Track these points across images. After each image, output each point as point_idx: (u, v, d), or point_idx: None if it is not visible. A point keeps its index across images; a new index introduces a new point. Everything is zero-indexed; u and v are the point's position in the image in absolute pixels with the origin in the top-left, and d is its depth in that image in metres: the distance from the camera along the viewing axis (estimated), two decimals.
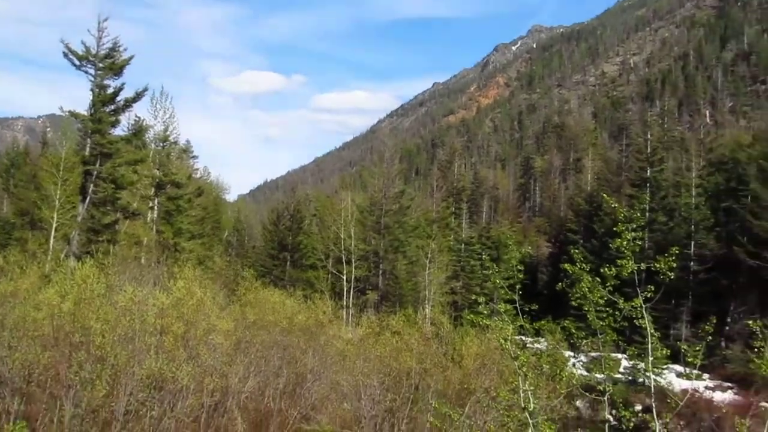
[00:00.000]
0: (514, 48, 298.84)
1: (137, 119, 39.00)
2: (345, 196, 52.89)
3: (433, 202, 61.99)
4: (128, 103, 33.53)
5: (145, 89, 34.41)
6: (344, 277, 45.47)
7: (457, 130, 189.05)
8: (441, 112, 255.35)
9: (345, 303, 43.82)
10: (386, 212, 50.35)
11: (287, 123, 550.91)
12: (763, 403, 26.81)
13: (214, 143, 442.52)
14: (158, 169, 40.41)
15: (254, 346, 20.58)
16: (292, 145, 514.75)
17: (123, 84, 33.12)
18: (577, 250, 9.17)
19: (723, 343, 43.41)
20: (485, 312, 9.86)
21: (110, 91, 32.80)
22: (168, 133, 41.96)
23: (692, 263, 47.25)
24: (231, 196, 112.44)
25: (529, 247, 77.65)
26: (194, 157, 71.57)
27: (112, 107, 33.13)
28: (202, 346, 17.14)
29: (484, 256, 56.84)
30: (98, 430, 14.89)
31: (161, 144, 41.73)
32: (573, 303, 8.73)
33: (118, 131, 35.02)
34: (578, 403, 34.41)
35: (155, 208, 40.49)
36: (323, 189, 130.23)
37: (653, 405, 8.17)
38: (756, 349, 8.00)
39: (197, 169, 76.45)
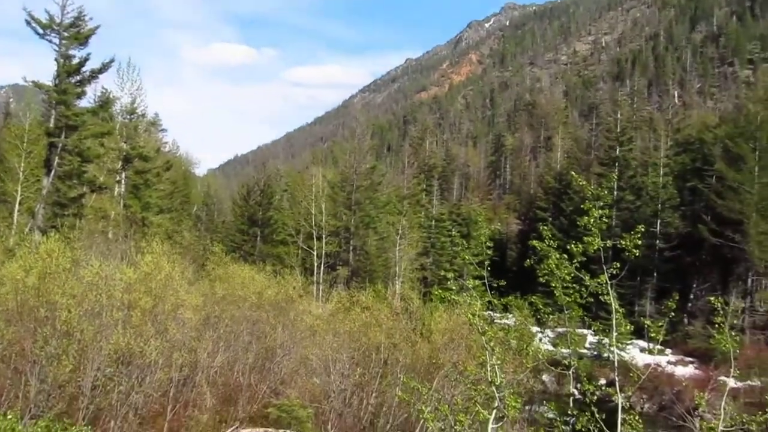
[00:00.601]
0: (487, 25, 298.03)
1: (104, 91, 38.19)
2: (316, 172, 52.62)
3: (405, 178, 62.02)
4: (94, 74, 32.76)
5: (112, 60, 33.65)
6: (315, 253, 45.42)
7: (429, 106, 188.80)
8: (413, 88, 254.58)
9: (315, 278, 43.83)
10: (357, 188, 50.27)
11: (258, 97, 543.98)
12: (722, 378, 27.57)
13: (183, 117, 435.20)
14: (125, 142, 39.71)
15: (223, 321, 20.53)
16: (263, 120, 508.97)
17: (89, 54, 32.34)
18: (545, 227, 9.25)
19: (685, 320, 44.49)
20: (454, 288, 9.92)
21: (75, 61, 31.99)
22: (135, 105, 41.22)
23: (658, 241, 48.17)
24: (200, 171, 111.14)
25: (499, 224, 78.55)
26: (163, 130, 70.61)
27: (78, 78, 32.35)
28: (170, 321, 17.02)
29: (454, 233, 57.54)
30: (65, 405, 14.76)
31: (128, 116, 40.98)
32: (540, 279, 8.83)
33: (84, 103, 34.27)
34: (544, 377, 35.06)
35: (122, 181, 39.86)
36: (294, 164, 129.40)
37: (616, 379, 8.34)
38: (716, 325, 8.19)
39: (166, 143, 75.50)
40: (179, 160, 77.95)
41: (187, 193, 69.88)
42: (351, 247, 50.23)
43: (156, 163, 44.07)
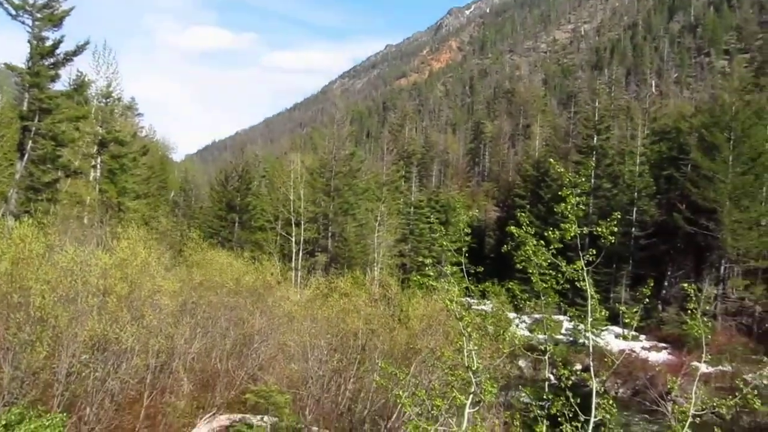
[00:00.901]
0: (467, 12, 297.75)
1: (79, 74, 37.51)
2: (295, 158, 52.33)
3: (384, 165, 61.92)
4: (68, 57, 32.13)
5: (87, 42, 33.02)
6: (293, 239, 45.28)
7: (409, 93, 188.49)
8: (393, 74, 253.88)
9: (294, 265, 43.74)
10: (336, 174, 50.12)
11: (237, 82, 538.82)
12: (695, 363, 28.06)
13: (161, 101, 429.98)
14: (101, 127, 39.14)
15: (201, 307, 20.42)
16: (242, 105, 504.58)
17: (63, 36, 31.66)
18: (523, 214, 9.31)
19: (659, 306, 45.17)
20: (432, 274, 9.95)
21: (49, 43, 31.34)
22: (111, 89, 40.56)
23: (633, 229, 48.75)
24: (178, 156, 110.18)
25: (477, 211, 78.88)
26: (139, 114, 69.65)
27: (52, 61, 31.72)
28: (146, 307, 16.89)
29: (432, 219, 57.62)
30: (39, 392, 14.61)
31: (104, 100, 40.35)
32: (518, 266, 8.89)
33: (59, 86, 33.58)
34: (521, 362, 35.43)
35: (98, 166, 39.32)
36: (273, 150, 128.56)
37: (591, 364, 8.44)
38: (689, 312, 8.31)
39: (142, 128, 74.44)
40: (156, 144, 77.11)
41: (164, 179, 69.18)
42: (329, 234, 50.16)
43: (132, 148, 43.51)
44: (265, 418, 16.67)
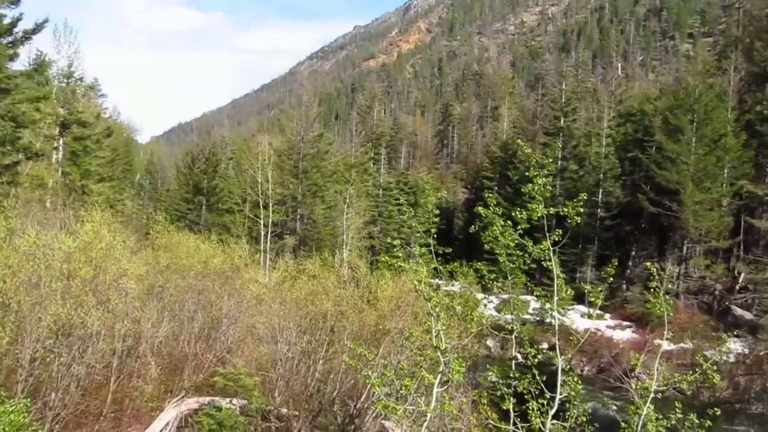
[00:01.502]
0: None
1: (39, 53, 36.53)
2: (262, 140, 51.84)
3: (352, 146, 61.67)
4: (27, 36, 31.20)
5: (46, 21, 32.05)
6: (261, 222, 44.98)
7: (378, 75, 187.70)
8: (362, 56, 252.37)
9: (262, 247, 43.50)
10: (304, 156, 49.83)
11: (203, 62, 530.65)
12: (657, 340, 28.70)
13: (124, 82, 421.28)
14: (63, 108, 38.19)
15: (168, 290, 20.23)
16: (209, 86, 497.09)
17: (21, 14, 30.69)
18: (491, 195, 9.36)
19: (624, 286, 46.05)
20: (401, 255, 9.98)
21: (7, 21, 30.42)
22: (73, 69, 39.54)
23: (599, 210, 49.47)
24: (143, 138, 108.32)
25: (446, 193, 79.29)
26: (102, 95, 68.21)
27: (10, 39, 30.77)
28: (112, 291, 16.66)
29: (401, 201, 57.59)
30: (2, 377, 14.37)
31: (65, 80, 39.34)
32: (486, 247, 8.96)
33: (18, 66, 32.68)
34: (489, 342, 35.91)
35: (60, 148, 38.43)
36: (240, 132, 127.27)
37: (557, 343, 8.58)
38: (652, 290, 8.49)
39: (106, 109, 72.98)
40: (120, 126, 75.71)
41: (129, 161, 68.08)
42: (298, 216, 49.96)
43: (96, 130, 42.59)
44: (234, 400, 16.64)
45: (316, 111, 57.71)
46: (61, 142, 38.41)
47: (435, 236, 9.95)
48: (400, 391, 9.21)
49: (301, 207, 49.76)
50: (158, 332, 19.01)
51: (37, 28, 31.38)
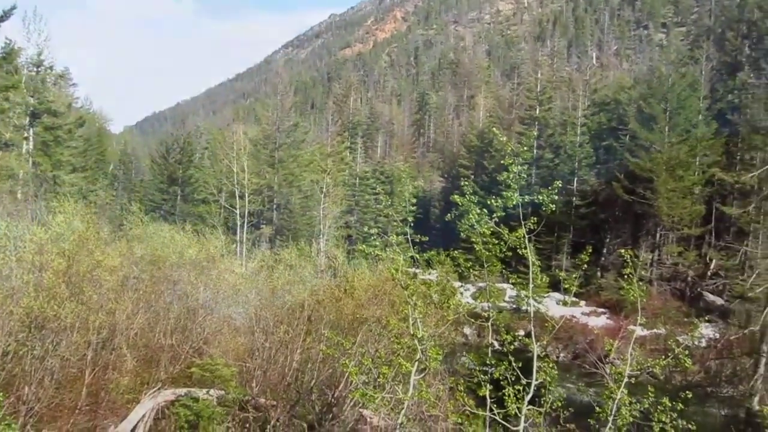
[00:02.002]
0: None
1: (7, 41, 35.71)
2: (237, 129, 51.42)
3: (329, 136, 61.43)
4: None
5: (14, 8, 31.39)
6: (237, 212, 44.70)
7: (354, 63, 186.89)
8: (338, 44, 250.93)
9: (238, 237, 43.25)
10: (280, 146, 49.56)
11: (177, 51, 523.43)
12: (631, 326, 29.10)
13: (96, 71, 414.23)
14: (32, 97, 37.50)
15: (143, 281, 20.03)
16: (183, 75, 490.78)
17: None
18: (467, 183, 9.39)
19: (599, 273, 46.57)
20: (378, 244, 9.99)
21: None
22: (42, 57, 38.79)
23: (574, 198, 49.92)
24: (116, 128, 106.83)
25: (423, 182, 79.44)
26: (74, 84, 66.85)
27: None
28: (86, 283, 16.46)
29: (378, 190, 57.46)
30: None
31: (35, 69, 38.59)
32: (462, 235, 9.01)
33: None
34: (466, 329, 36.13)
35: (30, 138, 37.75)
36: (215, 121, 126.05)
37: (533, 330, 8.66)
38: (626, 276, 8.60)
39: (77, 98, 71.60)
40: (93, 116, 74.44)
41: (102, 151, 67.02)
42: (274, 206, 49.72)
43: (67, 119, 41.92)
44: (211, 391, 16.57)
45: (292, 100, 57.41)
46: (31, 132, 37.74)
47: (412, 225, 9.98)
48: (378, 380, 9.25)
49: (278, 197, 49.53)
50: (133, 324, 18.82)
51: (5, 16, 30.77)
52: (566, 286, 8.74)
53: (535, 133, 52.40)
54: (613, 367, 8.64)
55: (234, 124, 66.46)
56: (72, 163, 40.87)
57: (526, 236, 8.47)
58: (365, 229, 51.20)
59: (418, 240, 9.73)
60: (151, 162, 64.04)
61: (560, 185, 8.75)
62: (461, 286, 12.47)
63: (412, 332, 8.91)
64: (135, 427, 15.55)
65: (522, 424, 8.20)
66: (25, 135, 37.48)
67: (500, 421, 8.27)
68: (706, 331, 34.74)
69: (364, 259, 22.27)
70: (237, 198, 45.15)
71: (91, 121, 65.00)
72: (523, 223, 8.51)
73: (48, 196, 30.84)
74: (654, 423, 7.73)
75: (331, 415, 15.22)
